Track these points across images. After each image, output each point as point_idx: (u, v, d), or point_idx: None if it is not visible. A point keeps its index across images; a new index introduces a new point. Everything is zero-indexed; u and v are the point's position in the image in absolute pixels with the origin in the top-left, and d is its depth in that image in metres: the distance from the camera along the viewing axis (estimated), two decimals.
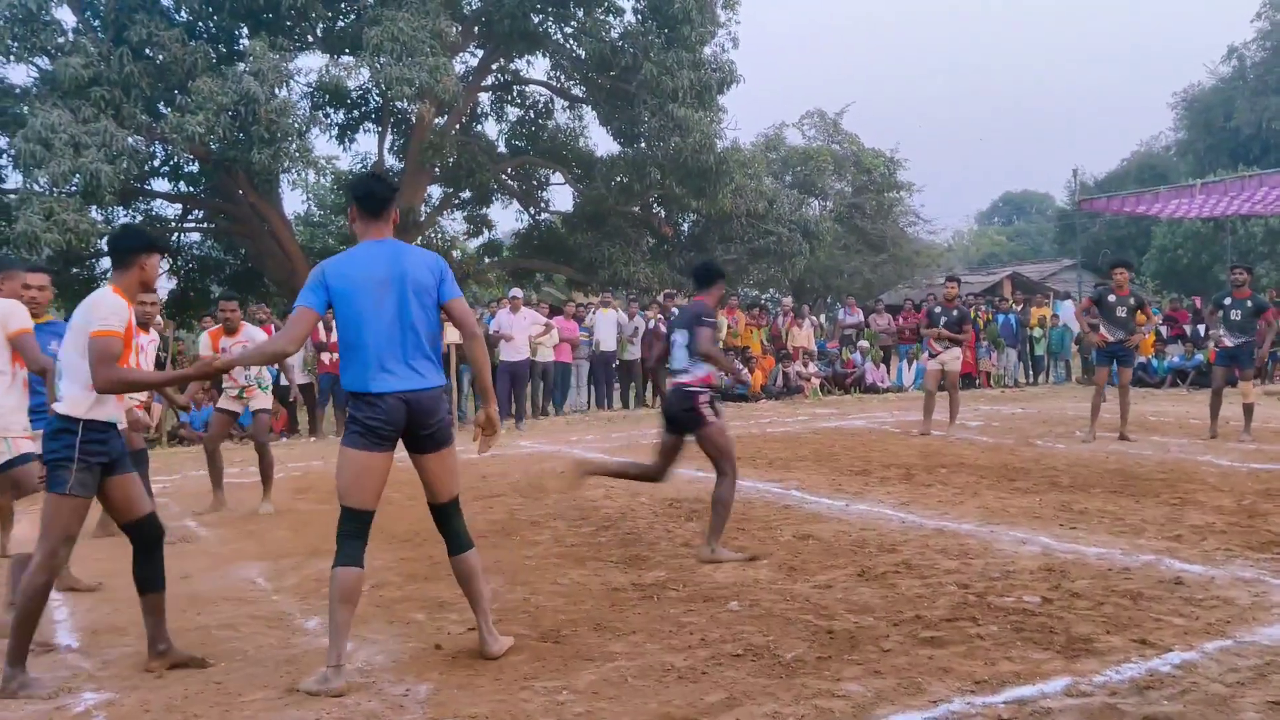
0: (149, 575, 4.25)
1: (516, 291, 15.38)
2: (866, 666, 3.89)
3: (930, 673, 3.79)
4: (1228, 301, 10.89)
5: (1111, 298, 10.85)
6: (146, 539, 4.27)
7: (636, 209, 24.48)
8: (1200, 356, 17.88)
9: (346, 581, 3.92)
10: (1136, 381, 18.42)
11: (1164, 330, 19.46)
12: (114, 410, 4.20)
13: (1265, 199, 20.64)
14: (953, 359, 11.85)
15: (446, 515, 4.23)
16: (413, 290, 4.04)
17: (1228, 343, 10.72)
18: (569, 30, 22.22)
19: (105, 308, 4.09)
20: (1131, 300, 10.87)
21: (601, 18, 21.53)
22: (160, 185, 21.56)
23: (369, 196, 4.17)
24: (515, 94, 24.24)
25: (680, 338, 5.94)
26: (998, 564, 5.44)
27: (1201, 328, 18.06)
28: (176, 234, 23.14)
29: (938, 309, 12.46)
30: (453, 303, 4.14)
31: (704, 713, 3.50)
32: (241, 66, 17.33)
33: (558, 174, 24.66)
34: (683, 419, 5.87)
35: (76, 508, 4.06)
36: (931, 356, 12.07)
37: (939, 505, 7.32)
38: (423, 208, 22.96)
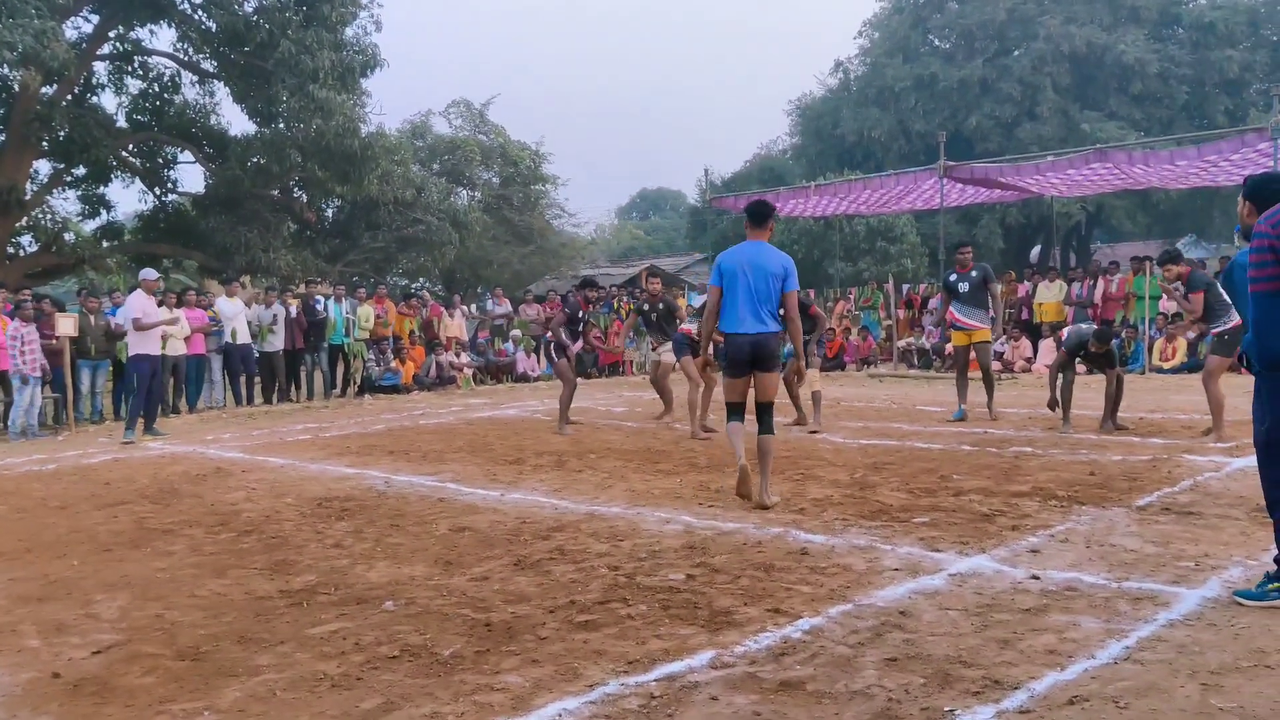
0: None
1: (149, 272, 13.55)
2: (524, 656, 3.92)
3: (585, 657, 3.89)
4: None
5: None
6: None
7: (276, 192, 23.25)
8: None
9: None
10: None
11: None
12: None
13: (868, 200, 23.02)
14: (665, 350, 12.14)
15: None
16: None
17: None
18: (197, 1, 20.67)
19: None
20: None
21: None
22: None
23: None
24: (137, 65, 22.19)
25: None
26: (645, 544, 5.68)
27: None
28: None
29: (645, 305, 12.51)
30: None
31: None
32: None
33: (186, 152, 22.89)
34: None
35: None
36: (653, 350, 12.56)
37: (590, 490, 7.54)
38: (28, 185, 20.53)
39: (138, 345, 12.28)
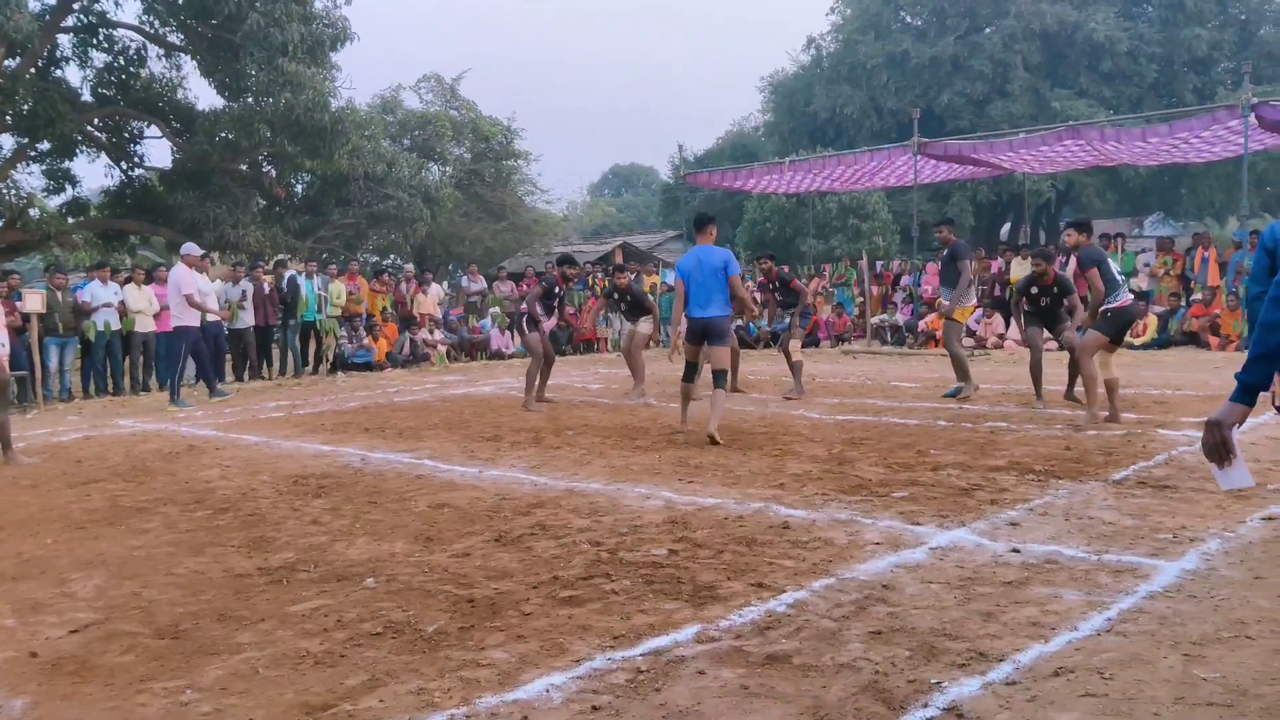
0: None
1: (192, 247, 13.55)
2: (509, 632, 3.90)
3: (571, 632, 3.87)
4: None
5: None
6: None
7: (245, 168, 22.94)
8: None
9: None
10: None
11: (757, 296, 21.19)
12: None
13: (841, 176, 23.04)
14: (644, 322, 12.36)
15: None
16: None
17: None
18: None
19: None
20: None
21: None
22: None
23: None
24: (102, 38, 21.75)
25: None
26: (626, 520, 5.67)
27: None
28: None
29: (615, 295, 13.09)
30: None
31: (345, 697, 3.35)
32: None
33: (153, 127, 22.51)
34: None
35: None
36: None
37: (568, 466, 7.52)
38: None
39: (182, 318, 12.72)
